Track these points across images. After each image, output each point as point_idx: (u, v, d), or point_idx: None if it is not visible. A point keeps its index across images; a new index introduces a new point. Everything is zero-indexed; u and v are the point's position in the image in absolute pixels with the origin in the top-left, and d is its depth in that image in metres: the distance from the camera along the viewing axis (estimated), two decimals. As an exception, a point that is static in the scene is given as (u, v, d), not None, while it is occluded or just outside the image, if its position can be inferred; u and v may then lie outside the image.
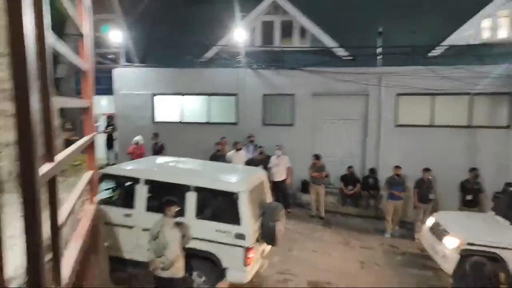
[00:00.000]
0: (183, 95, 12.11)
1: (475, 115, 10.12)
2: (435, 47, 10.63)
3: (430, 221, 7.27)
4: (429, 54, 10.65)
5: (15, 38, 0.83)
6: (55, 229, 0.97)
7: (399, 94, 10.44)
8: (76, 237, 1.60)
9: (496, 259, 5.79)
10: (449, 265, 6.15)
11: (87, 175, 1.89)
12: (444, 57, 10.61)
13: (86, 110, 2.00)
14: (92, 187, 2.10)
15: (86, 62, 1.86)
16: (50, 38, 1.05)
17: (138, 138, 10.71)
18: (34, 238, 0.85)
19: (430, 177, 8.61)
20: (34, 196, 0.85)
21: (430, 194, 8.51)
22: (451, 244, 6.20)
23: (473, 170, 8.70)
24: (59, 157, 1.12)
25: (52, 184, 0.99)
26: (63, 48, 1.25)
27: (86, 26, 1.85)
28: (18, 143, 0.84)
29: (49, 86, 1.01)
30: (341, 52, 11.17)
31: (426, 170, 8.60)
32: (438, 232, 6.68)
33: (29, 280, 0.85)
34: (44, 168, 0.93)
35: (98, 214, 2.34)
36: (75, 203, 1.40)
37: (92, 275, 1.98)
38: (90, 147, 2.03)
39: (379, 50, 10.66)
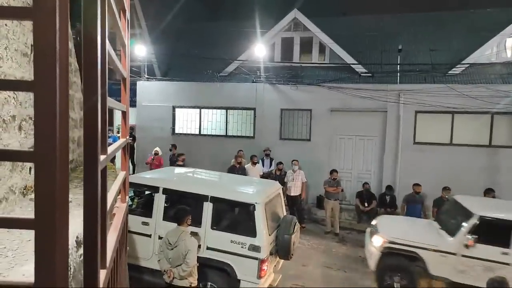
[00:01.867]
0: (202, 108, 12.37)
1: (496, 135, 9.96)
2: (455, 65, 10.59)
3: (372, 223, 7.41)
4: (449, 72, 10.61)
5: (88, 50, 0.99)
6: (104, 210, 1.11)
7: (417, 112, 10.39)
8: (114, 228, 1.72)
9: (416, 258, 6.06)
10: (372, 262, 6.50)
11: (120, 175, 2.02)
12: (464, 75, 10.55)
13: (123, 114, 2.16)
14: (124, 186, 2.24)
15: (125, 70, 2.03)
16: (109, 46, 1.20)
17: (157, 149, 11.05)
18: (92, 210, 1.05)
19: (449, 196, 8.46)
20: (95, 178, 1.04)
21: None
22: (377, 242, 6.45)
23: (490, 191, 8.47)
24: (109, 150, 1.26)
25: (104, 172, 1.13)
26: (114, 56, 1.39)
27: (126, 37, 2.02)
28: (85, 138, 1.03)
29: (106, 90, 1.16)
30: (359, 68, 11.25)
31: (446, 189, 8.47)
32: (371, 232, 6.90)
33: (85, 245, 1.04)
34: (101, 158, 1.07)
35: (127, 213, 2.46)
36: (115, 197, 1.52)
37: (122, 271, 2.08)
38: (124, 149, 2.17)
39: (398, 67, 10.69)
